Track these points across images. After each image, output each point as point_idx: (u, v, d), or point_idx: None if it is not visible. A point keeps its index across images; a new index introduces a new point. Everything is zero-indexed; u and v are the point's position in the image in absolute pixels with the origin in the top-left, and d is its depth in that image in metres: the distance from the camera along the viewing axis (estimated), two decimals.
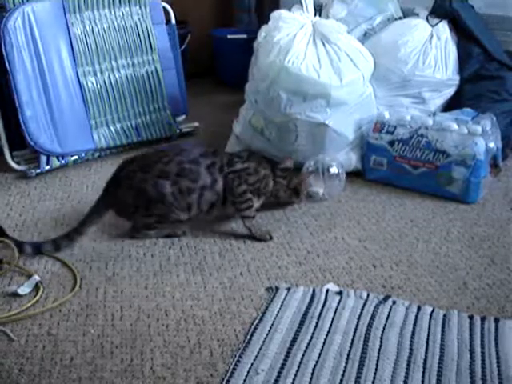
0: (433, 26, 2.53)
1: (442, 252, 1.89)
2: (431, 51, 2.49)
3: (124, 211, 1.97)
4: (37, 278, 1.69)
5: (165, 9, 2.91)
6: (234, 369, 1.35)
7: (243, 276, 1.75)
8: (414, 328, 1.50)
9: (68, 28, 2.55)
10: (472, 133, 2.19)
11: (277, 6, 3.01)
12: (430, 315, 1.55)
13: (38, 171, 2.47)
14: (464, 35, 2.54)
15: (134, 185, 1.91)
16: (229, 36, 3.88)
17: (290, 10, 2.45)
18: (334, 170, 2.26)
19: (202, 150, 1.98)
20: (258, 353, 1.40)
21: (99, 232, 1.99)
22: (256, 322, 1.52)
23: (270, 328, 1.49)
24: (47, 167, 2.49)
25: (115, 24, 2.69)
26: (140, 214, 1.94)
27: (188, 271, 1.78)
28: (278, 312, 1.56)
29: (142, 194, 1.90)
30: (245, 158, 2.04)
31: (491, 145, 2.22)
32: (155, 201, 1.90)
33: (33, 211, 2.17)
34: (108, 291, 1.67)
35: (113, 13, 2.68)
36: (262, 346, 1.43)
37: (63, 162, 2.54)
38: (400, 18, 2.69)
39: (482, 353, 1.41)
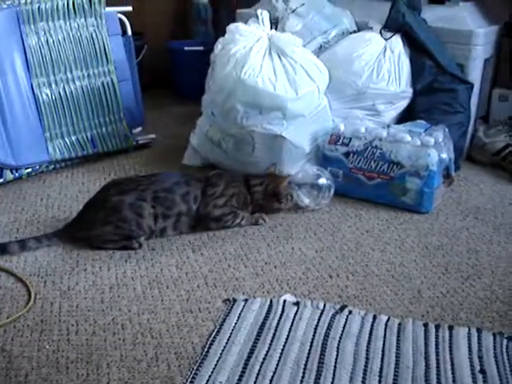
0: (386, 39, 2.58)
1: (396, 262, 1.92)
2: (385, 64, 2.53)
3: (90, 227, 1.95)
4: None
5: (121, 20, 2.89)
6: (191, 382, 1.35)
7: (200, 288, 1.75)
8: (369, 337, 1.52)
9: (22, 39, 2.52)
10: (425, 144, 2.23)
11: (233, 19, 3.02)
12: (386, 324, 1.57)
13: None
14: (417, 48, 2.59)
15: (108, 205, 1.93)
16: (185, 48, 3.89)
17: (246, 22, 2.47)
18: (322, 180, 2.28)
19: (176, 179, 2.06)
20: (216, 365, 1.40)
21: (54, 246, 1.96)
22: (213, 334, 1.52)
23: (228, 340, 1.49)
24: (0, 180, 2.45)
25: (70, 35, 2.66)
26: (107, 230, 1.93)
27: (145, 284, 1.76)
28: (236, 324, 1.56)
29: (117, 213, 1.91)
30: (215, 184, 2.10)
31: (444, 156, 2.27)
32: (128, 221, 1.92)
33: None
34: (63, 306, 1.65)
35: (68, 24, 2.65)
36: (219, 358, 1.43)
37: (17, 174, 2.50)
38: (354, 32, 2.74)
39: (437, 360, 1.43)
